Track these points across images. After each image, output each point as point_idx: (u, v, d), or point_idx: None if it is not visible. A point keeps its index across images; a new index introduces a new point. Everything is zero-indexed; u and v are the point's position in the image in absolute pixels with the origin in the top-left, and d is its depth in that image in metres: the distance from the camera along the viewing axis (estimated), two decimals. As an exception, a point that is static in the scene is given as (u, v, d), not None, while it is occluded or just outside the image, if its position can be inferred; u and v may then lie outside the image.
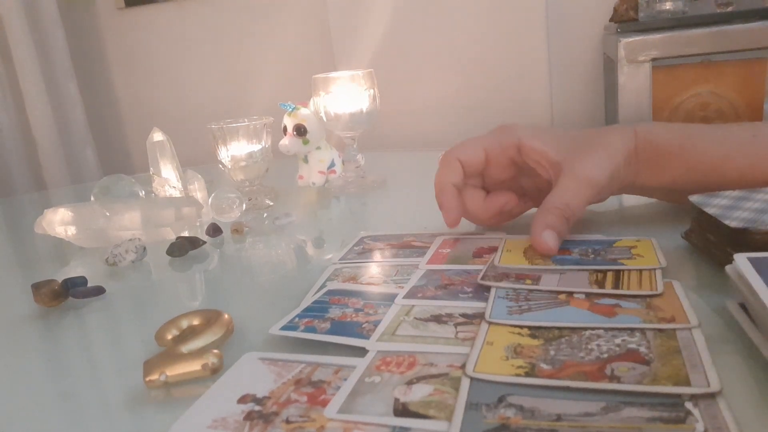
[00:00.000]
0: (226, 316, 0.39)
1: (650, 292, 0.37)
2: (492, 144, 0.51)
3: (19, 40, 1.96)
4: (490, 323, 0.35)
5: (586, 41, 1.71)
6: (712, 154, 0.48)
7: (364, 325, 0.37)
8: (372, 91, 0.76)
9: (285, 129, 0.79)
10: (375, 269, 0.47)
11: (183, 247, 0.58)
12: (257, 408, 0.30)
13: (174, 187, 0.73)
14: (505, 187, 0.54)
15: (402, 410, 0.28)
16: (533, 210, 0.57)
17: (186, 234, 0.64)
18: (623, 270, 0.41)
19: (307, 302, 0.42)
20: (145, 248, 0.58)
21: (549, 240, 0.45)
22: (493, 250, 0.48)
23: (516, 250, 0.46)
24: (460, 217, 0.51)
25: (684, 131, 0.50)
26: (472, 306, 0.38)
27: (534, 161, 0.51)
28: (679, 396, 0.27)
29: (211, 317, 0.39)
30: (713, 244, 0.41)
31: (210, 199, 0.68)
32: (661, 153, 0.49)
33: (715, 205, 0.42)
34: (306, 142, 0.78)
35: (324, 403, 0.29)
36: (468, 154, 0.51)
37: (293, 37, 1.98)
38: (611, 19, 1.59)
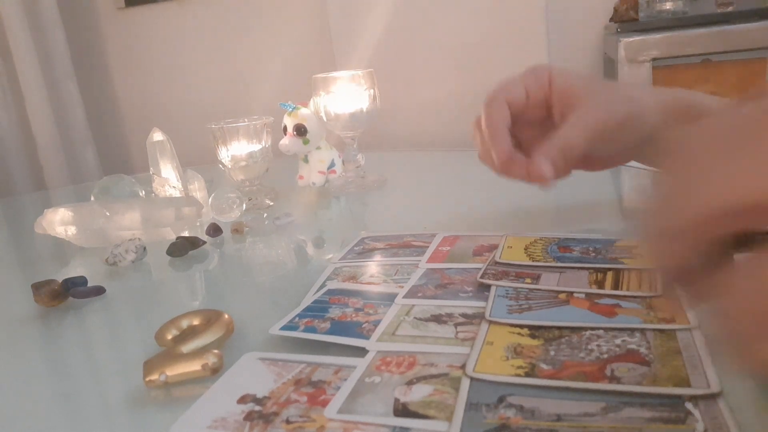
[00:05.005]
0: (226, 316, 0.39)
1: (650, 293, 0.37)
2: (530, 80, 0.50)
3: (19, 40, 1.96)
4: (490, 322, 0.35)
5: (586, 41, 1.71)
6: None
7: (364, 325, 0.37)
8: (372, 90, 0.76)
9: (285, 129, 0.79)
10: (375, 269, 0.47)
11: (183, 247, 0.58)
12: (257, 408, 0.30)
13: (174, 187, 0.73)
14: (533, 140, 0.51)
15: (402, 410, 0.28)
16: (528, 209, 0.57)
17: (186, 234, 0.64)
18: (623, 270, 0.41)
19: (307, 302, 0.42)
20: (145, 248, 0.58)
21: (543, 165, 0.43)
22: (493, 248, 0.48)
23: (517, 247, 0.46)
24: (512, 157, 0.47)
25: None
26: (472, 305, 0.38)
27: (560, 93, 0.49)
28: (679, 396, 0.27)
29: (211, 317, 0.39)
30: (713, 244, 0.41)
31: (210, 199, 0.68)
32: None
33: (715, 205, 0.41)
34: (306, 142, 0.78)
35: (324, 403, 0.29)
36: (513, 93, 0.49)
37: (293, 37, 1.98)
38: (611, 19, 1.59)
